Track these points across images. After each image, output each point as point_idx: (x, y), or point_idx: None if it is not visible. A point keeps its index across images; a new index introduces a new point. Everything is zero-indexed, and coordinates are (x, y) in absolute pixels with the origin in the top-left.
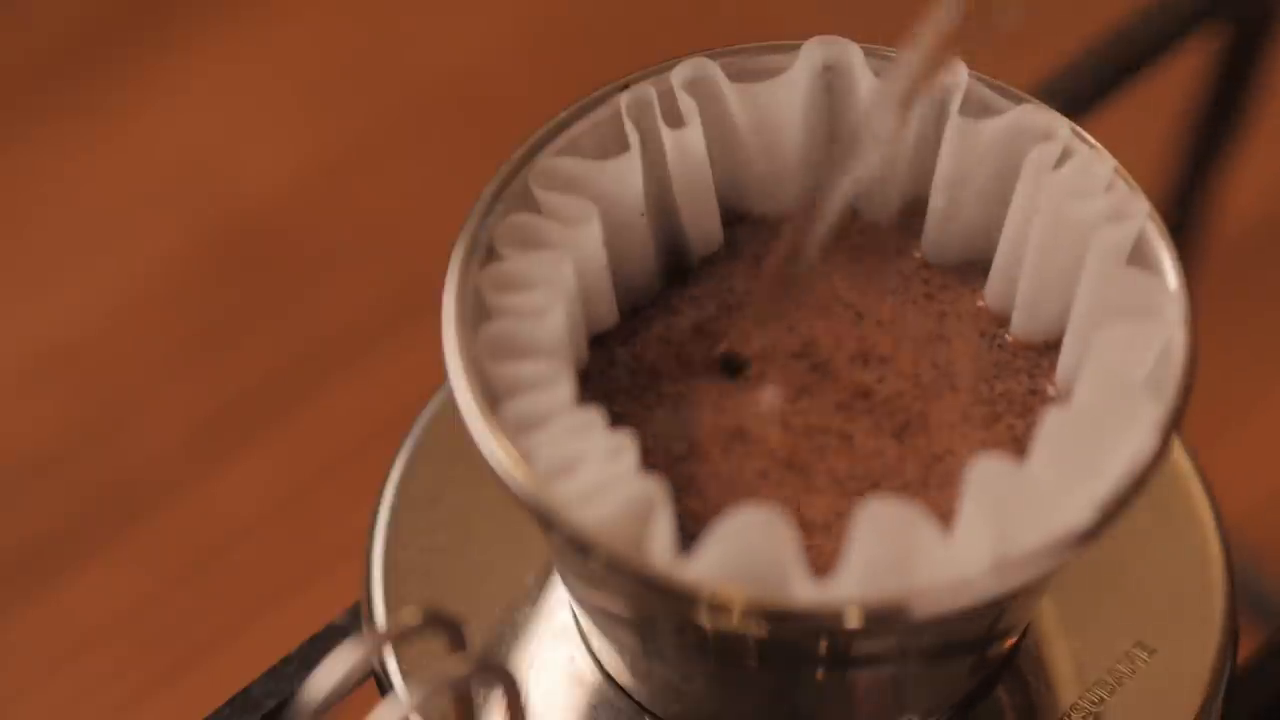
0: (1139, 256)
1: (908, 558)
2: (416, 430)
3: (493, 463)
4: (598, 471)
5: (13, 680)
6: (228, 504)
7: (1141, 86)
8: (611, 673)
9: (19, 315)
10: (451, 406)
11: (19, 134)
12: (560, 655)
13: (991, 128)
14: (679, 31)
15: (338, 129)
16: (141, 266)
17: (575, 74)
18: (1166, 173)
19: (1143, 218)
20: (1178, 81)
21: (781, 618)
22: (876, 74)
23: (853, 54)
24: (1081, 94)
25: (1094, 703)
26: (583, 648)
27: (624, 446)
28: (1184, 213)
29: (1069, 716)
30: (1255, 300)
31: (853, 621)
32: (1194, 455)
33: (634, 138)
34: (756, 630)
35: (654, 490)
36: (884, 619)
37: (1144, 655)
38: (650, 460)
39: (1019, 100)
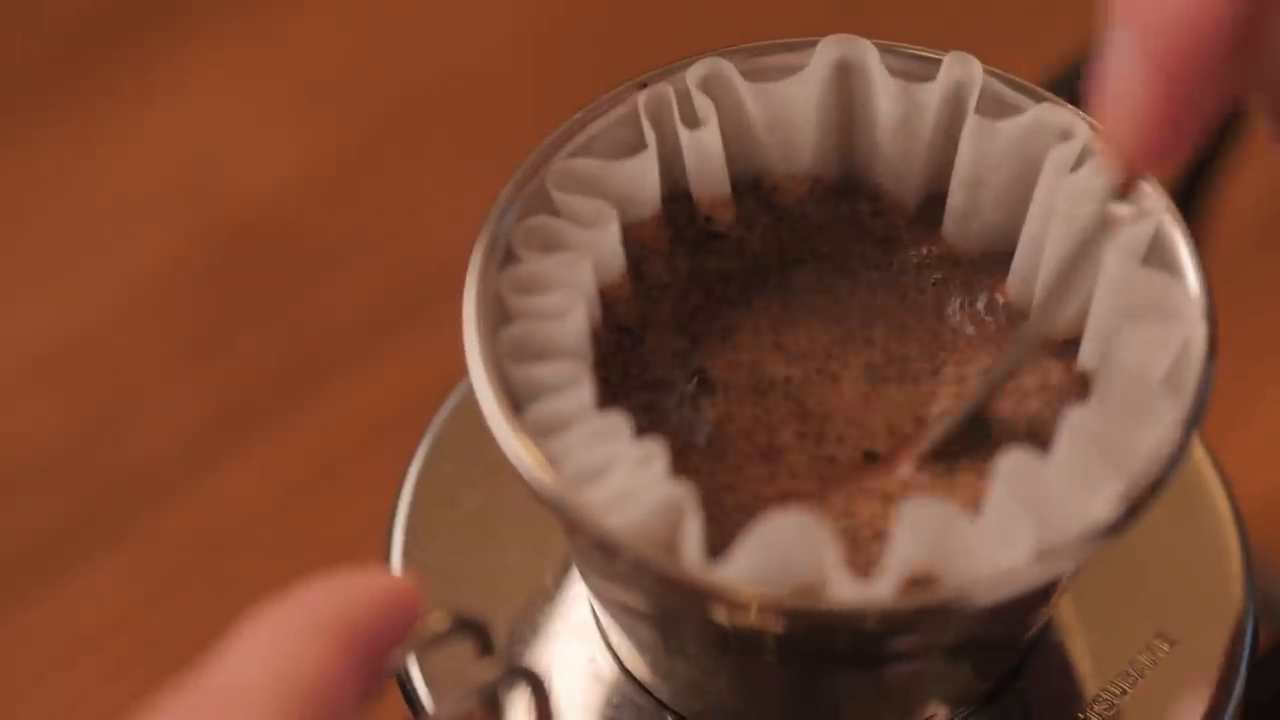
0: (1158, 254)
1: (946, 554)
2: (432, 430)
3: (520, 468)
4: (627, 477)
5: (13, 680)
6: (228, 504)
7: None
8: (633, 671)
9: (19, 315)
10: (466, 406)
11: (19, 135)
12: (581, 655)
13: (1010, 128)
14: (681, 31)
15: (338, 128)
16: (141, 266)
17: (576, 74)
18: (1167, 172)
19: (1160, 215)
20: None
21: (826, 620)
22: (892, 72)
23: (868, 52)
24: (1082, 94)
25: (1116, 694)
26: (603, 647)
27: (653, 454)
28: (1186, 211)
29: (1092, 707)
30: (1255, 300)
31: (896, 620)
32: (1210, 448)
33: (651, 136)
34: (796, 631)
35: (684, 495)
36: (928, 615)
37: (1165, 646)
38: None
39: (1036, 96)
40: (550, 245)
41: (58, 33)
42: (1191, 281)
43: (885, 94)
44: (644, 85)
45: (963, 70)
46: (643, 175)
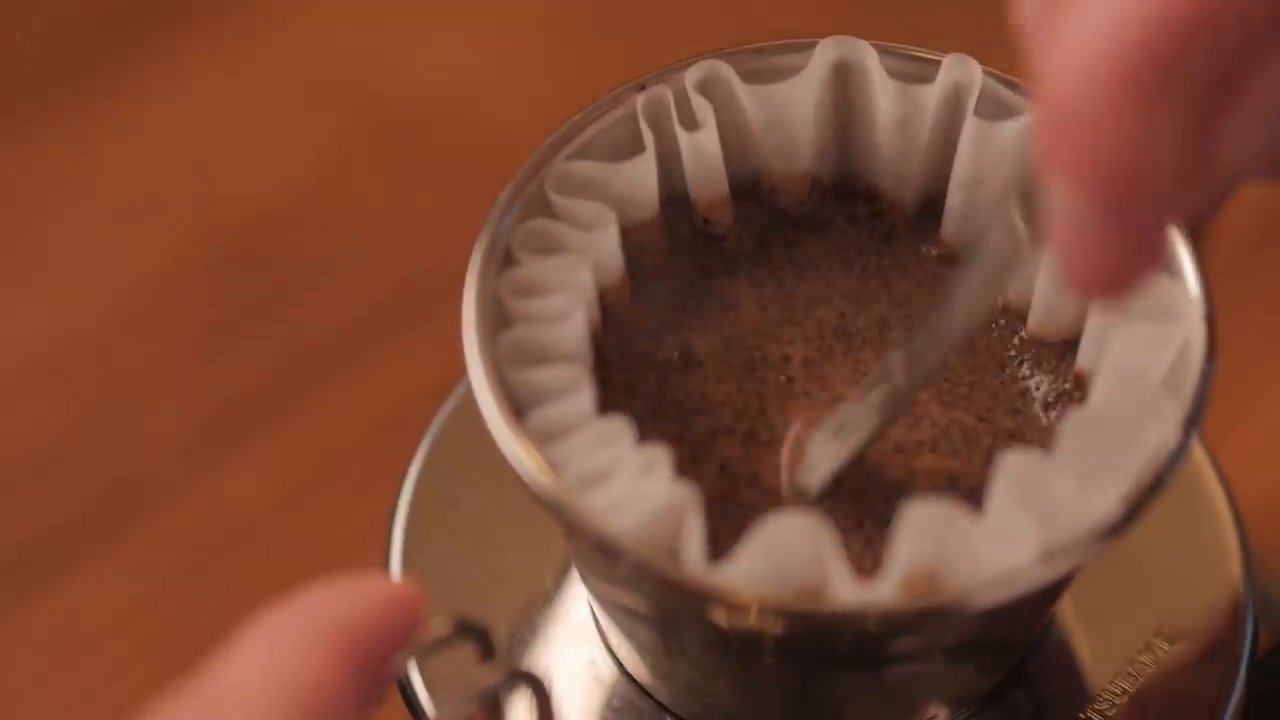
0: None
1: (949, 555)
2: (431, 432)
3: (521, 471)
4: (630, 483)
5: (13, 680)
6: (228, 504)
7: None
8: (633, 674)
9: (19, 315)
10: (465, 408)
11: (19, 134)
12: (581, 657)
13: (1009, 129)
14: (680, 33)
15: (336, 130)
16: (141, 268)
17: (575, 76)
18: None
19: None
20: None
21: (828, 622)
22: (891, 73)
23: (867, 54)
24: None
25: (1117, 693)
26: (603, 649)
27: (657, 460)
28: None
29: (1092, 707)
30: (1255, 299)
31: (898, 622)
32: (1209, 447)
33: (649, 138)
34: (798, 633)
35: (685, 497)
36: (930, 617)
37: (1165, 645)
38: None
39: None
40: (549, 248)
41: (58, 33)
42: (1190, 282)
43: (884, 95)
44: (643, 87)
45: (962, 72)
46: (641, 178)
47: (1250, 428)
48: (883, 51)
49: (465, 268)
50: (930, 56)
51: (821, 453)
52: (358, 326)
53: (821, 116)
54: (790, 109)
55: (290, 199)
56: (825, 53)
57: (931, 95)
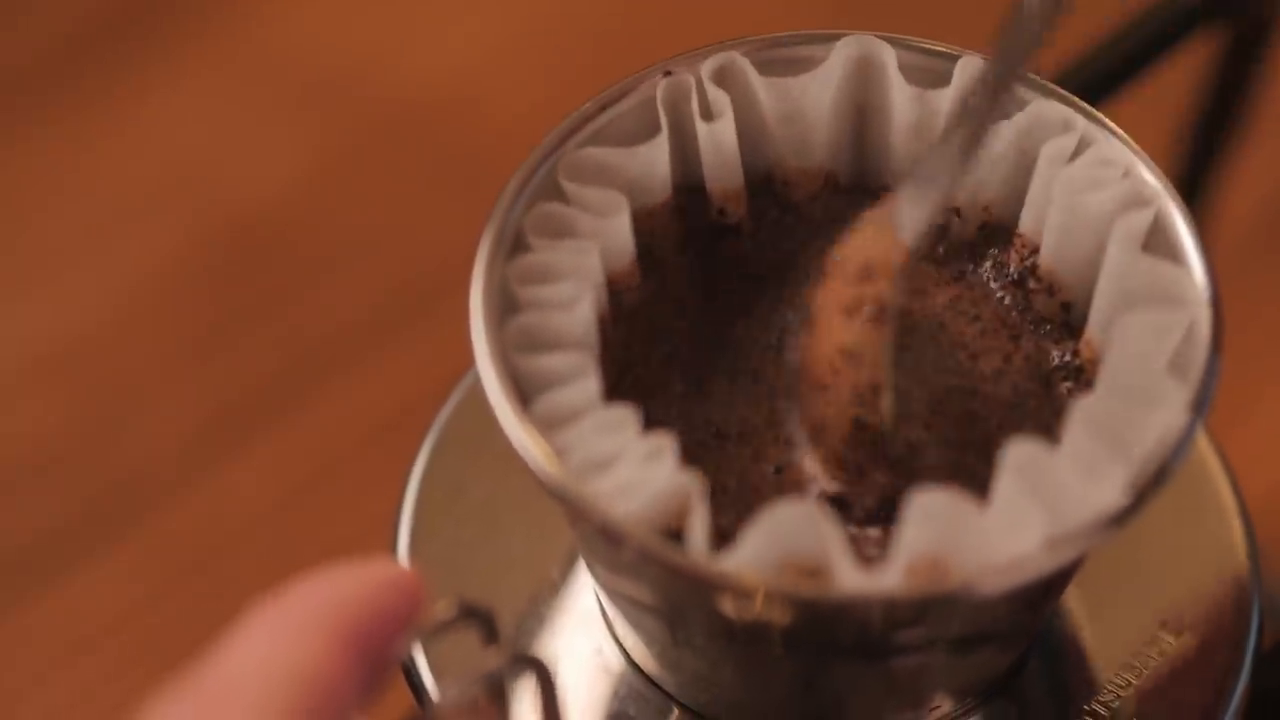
0: (1160, 239)
1: (954, 542)
2: (438, 424)
3: (526, 458)
4: (635, 470)
5: (13, 680)
6: (228, 504)
7: (1142, 86)
8: (639, 663)
9: (19, 315)
10: (471, 401)
11: (19, 133)
12: (587, 646)
13: (1009, 129)
14: (680, 34)
15: (336, 130)
16: (141, 268)
17: (572, 78)
18: (1167, 171)
19: (1161, 200)
20: (1178, 81)
21: (832, 608)
22: (908, 68)
23: (886, 53)
24: (1082, 93)
25: (1122, 686)
26: (610, 639)
27: (662, 448)
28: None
29: (1097, 699)
30: (1255, 301)
31: (902, 608)
32: (1214, 438)
33: (665, 122)
34: (801, 620)
35: (690, 483)
36: (935, 604)
37: (1170, 637)
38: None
39: (1042, 90)
40: (560, 232)
41: (57, 32)
42: (1195, 268)
43: (901, 98)
44: (668, 72)
45: (972, 73)
46: (655, 160)
47: (1251, 428)
48: (900, 46)
49: (466, 266)
50: (946, 51)
51: (913, 201)
52: (358, 326)
53: (838, 113)
54: (806, 104)
55: (290, 199)
56: (845, 49)
57: (945, 99)
